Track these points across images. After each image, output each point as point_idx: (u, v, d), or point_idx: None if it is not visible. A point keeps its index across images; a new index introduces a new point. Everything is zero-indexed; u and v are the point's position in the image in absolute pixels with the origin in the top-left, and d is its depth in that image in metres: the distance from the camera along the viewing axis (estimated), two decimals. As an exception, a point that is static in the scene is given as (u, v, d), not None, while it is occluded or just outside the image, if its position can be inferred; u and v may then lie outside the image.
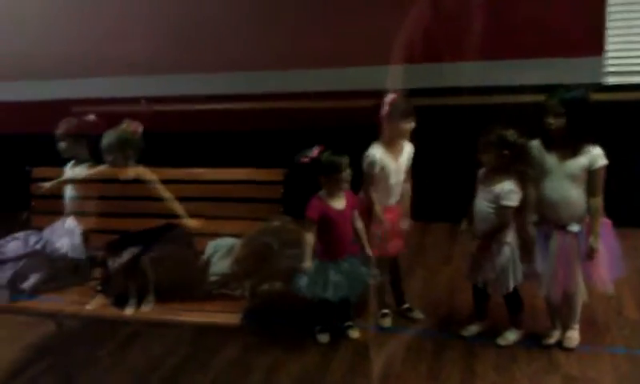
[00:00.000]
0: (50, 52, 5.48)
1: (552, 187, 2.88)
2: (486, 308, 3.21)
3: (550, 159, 2.89)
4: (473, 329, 3.21)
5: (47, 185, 3.37)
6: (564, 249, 2.90)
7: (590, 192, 2.85)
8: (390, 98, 3.14)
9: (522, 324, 3.14)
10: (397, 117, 3.12)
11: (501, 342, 3.10)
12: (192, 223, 3.15)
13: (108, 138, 3.28)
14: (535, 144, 2.94)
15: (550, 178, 2.89)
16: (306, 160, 3.08)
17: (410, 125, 3.16)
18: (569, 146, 2.84)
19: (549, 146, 2.90)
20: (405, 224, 3.32)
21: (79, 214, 3.40)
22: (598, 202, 2.85)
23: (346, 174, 3.05)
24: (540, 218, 2.97)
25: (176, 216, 3.19)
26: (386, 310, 3.39)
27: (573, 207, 2.87)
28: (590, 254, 2.86)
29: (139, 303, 3.03)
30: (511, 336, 3.12)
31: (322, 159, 3.06)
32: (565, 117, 2.79)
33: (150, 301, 3.04)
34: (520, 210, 2.97)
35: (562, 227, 2.89)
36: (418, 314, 3.43)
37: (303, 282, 3.05)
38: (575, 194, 2.86)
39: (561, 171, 2.86)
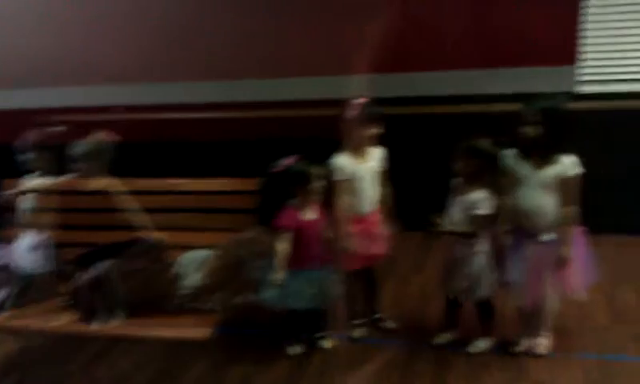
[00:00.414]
0: (21, 61, 5.43)
1: (526, 196, 2.89)
2: (458, 317, 3.21)
3: (525, 168, 2.90)
4: (444, 337, 3.22)
5: (10, 194, 3.34)
6: (536, 258, 2.91)
7: (563, 201, 2.86)
8: (355, 102, 3.14)
9: (492, 332, 3.15)
10: (362, 121, 3.11)
11: (472, 350, 3.11)
12: (158, 236, 3.12)
13: (84, 146, 3.25)
14: (509, 153, 2.95)
15: (523, 187, 2.90)
16: (277, 169, 3.07)
17: (375, 130, 3.14)
18: (543, 155, 2.86)
19: (523, 154, 2.91)
20: (384, 231, 3.28)
21: (46, 227, 3.36)
22: (571, 211, 2.87)
23: (317, 184, 3.04)
24: (513, 226, 2.97)
25: (144, 228, 3.17)
26: (358, 321, 3.37)
27: (546, 216, 2.89)
28: (561, 263, 2.88)
29: (108, 318, 2.99)
30: (482, 344, 3.12)
31: (293, 169, 3.06)
32: (540, 126, 2.80)
33: (119, 315, 3.00)
34: (494, 218, 2.98)
35: (535, 236, 2.91)
36: (390, 324, 3.42)
37: (271, 292, 3.03)
38: (549, 203, 2.87)
39: (535, 180, 2.87)
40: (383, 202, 3.28)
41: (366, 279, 3.39)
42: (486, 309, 3.11)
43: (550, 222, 2.89)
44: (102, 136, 3.35)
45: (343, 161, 3.16)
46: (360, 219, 3.19)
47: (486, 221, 2.96)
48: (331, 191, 3.16)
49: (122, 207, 3.23)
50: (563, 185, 2.84)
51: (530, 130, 2.83)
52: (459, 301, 3.13)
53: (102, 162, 3.30)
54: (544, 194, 2.87)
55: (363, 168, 3.19)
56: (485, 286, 3.01)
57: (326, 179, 3.08)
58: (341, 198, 3.15)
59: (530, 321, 3.08)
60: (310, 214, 3.09)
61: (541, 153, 2.86)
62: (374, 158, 3.24)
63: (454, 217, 3.00)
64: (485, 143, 2.95)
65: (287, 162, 3.08)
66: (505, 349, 3.10)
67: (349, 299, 3.32)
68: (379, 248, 3.26)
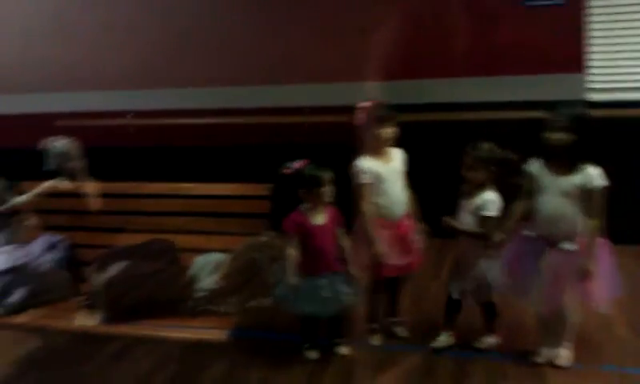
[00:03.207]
0: (36, 65, 5.45)
1: (547, 202, 2.87)
2: (455, 320, 3.21)
3: (546, 175, 2.88)
4: (442, 341, 3.20)
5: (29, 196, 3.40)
6: (555, 266, 2.87)
7: (588, 213, 2.83)
8: (364, 104, 3.11)
9: (496, 331, 3.16)
10: (374, 123, 3.08)
11: (479, 345, 3.12)
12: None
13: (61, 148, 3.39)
14: (532, 160, 2.93)
15: (545, 194, 2.88)
16: (288, 171, 3.07)
17: (389, 130, 3.10)
18: (565, 163, 2.83)
19: (546, 161, 2.89)
20: (417, 237, 3.23)
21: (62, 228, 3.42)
22: (595, 223, 2.83)
23: (328, 189, 3.01)
24: (536, 231, 2.93)
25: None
26: (375, 325, 3.35)
27: (566, 224, 2.85)
28: (584, 275, 2.84)
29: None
30: (490, 340, 3.14)
31: (304, 172, 3.05)
32: (568, 132, 2.77)
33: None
34: (502, 221, 2.97)
35: (555, 244, 2.88)
36: (402, 332, 3.38)
37: (284, 296, 3.03)
38: (569, 212, 2.84)
39: (555, 187, 2.85)
40: (411, 205, 3.24)
41: (389, 285, 3.35)
42: (490, 308, 3.12)
43: (570, 230, 2.86)
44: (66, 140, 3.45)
45: (367, 162, 3.12)
46: (392, 225, 3.14)
47: (493, 222, 2.95)
48: (355, 195, 3.12)
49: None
50: (587, 195, 2.81)
51: (558, 137, 2.78)
52: (462, 302, 3.13)
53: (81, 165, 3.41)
54: (564, 202, 2.84)
55: (388, 168, 3.14)
56: (491, 288, 3.01)
57: (336, 186, 3.04)
58: (367, 202, 3.10)
59: (551, 330, 3.04)
60: (319, 219, 3.06)
61: (562, 160, 2.83)
62: (396, 158, 3.20)
63: (464, 220, 3.01)
64: (502, 151, 2.95)
65: (297, 165, 3.07)
66: (524, 358, 3.06)
67: (369, 305, 3.31)
68: (414, 255, 3.22)
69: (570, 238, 2.87)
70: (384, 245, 3.07)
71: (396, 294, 3.41)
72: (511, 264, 2.98)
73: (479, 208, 2.96)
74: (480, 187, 2.98)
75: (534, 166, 2.92)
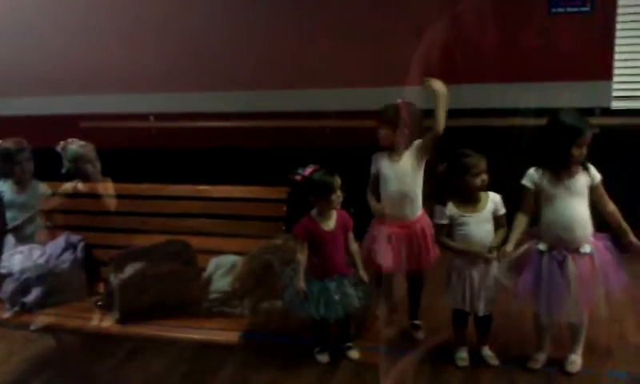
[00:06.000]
0: (61, 67, 5.54)
1: (561, 209, 2.86)
2: (466, 332, 3.19)
3: (552, 182, 2.88)
4: (464, 357, 3.16)
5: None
6: (583, 272, 2.85)
7: (604, 203, 2.90)
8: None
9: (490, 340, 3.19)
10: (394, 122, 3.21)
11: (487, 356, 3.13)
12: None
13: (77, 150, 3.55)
14: (533, 171, 2.93)
15: (555, 201, 2.87)
16: (297, 178, 3.09)
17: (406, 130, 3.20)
18: (569, 168, 2.86)
19: (551, 169, 2.88)
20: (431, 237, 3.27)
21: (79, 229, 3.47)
22: (613, 206, 2.90)
23: (337, 195, 3.04)
24: (551, 243, 2.90)
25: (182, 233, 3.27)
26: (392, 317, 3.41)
27: (583, 226, 2.86)
28: (636, 249, 2.88)
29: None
30: (489, 352, 3.15)
31: (313, 178, 3.07)
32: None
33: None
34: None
35: (575, 250, 2.86)
36: (419, 335, 3.40)
37: (293, 300, 3.05)
38: (584, 213, 2.87)
39: (567, 192, 2.86)
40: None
41: (413, 282, 3.40)
42: (488, 320, 3.12)
43: (587, 232, 2.88)
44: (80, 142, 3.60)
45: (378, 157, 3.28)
46: (402, 224, 3.22)
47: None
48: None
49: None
50: (594, 191, 2.88)
51: (584, 151, 2.82)
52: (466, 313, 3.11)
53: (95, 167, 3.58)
54: (578, 204, 2.86)
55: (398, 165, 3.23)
56: (490, 299, 3.02)
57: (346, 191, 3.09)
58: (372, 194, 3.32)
59: (546, 336, 3.06)
60: (329, 224, 3.09)
61: (567, 166, 2.86)
62: (410, 156, 3.25)
63: (477, 232, 3.02)
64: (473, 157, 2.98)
65: (307, 171, 3.10)
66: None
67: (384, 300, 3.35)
68: (423, 255, 3.27)
69: (587, 239, 2.88)
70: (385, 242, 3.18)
71: (415, 294, 3.43)
72: (535, 285, 2.91)
73: (496, 211, 3.00)
74: (484, 192, 3.02)
75: (539, 176, 2.91)
